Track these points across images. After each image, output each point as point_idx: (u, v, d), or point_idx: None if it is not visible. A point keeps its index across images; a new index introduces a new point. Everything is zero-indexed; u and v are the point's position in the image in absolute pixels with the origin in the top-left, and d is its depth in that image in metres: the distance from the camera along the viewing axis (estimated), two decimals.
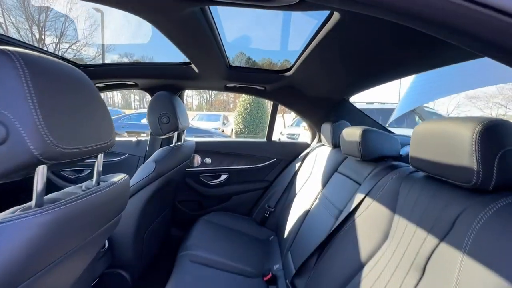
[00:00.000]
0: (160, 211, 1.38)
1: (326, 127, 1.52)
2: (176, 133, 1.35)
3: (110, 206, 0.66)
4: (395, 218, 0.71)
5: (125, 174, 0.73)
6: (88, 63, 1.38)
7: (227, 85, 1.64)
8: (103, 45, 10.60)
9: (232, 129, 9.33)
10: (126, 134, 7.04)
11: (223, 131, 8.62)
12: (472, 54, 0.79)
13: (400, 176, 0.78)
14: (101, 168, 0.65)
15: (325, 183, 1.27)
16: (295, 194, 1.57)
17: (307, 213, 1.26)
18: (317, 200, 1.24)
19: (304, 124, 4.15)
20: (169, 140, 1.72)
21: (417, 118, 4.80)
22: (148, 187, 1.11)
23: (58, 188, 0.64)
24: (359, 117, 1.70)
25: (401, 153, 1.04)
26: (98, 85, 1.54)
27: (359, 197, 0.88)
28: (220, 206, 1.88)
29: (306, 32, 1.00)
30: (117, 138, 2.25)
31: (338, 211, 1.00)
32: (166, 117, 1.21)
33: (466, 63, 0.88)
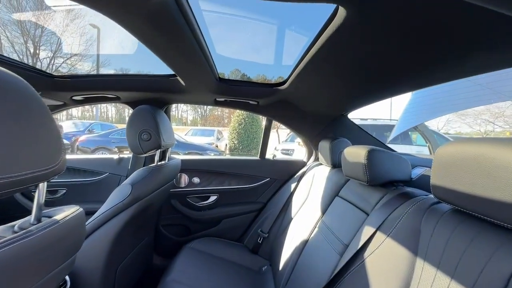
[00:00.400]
0: (138, 241, 1.21)
1: (324, 145, 1.40)
2: (158, 151, 1.21)
3: (52, 251, 0.51)
4: (417, 263, 0.57)
5: (78, 207, 0.58)
6: (63, 74, 1.25)
7: (217, 99, 1.53)
8: (98, 56, 10.57)
9: (226, 144, 9.22)
10: (116, 149, 6.82)
11: (217, 146, 8.52)
12: (490, 66, 0.69)
13: (419, 208, 0.65)
14: (42, 201, 0.50)
15: (325, 209, 1.13)
16: (291, 219, 1.42)
17: (305, 243, 1.11)
18: (317, 229, 1.10)
19: (299, 140, 4.05)
20: (152, 158, 1.58)
21: (409, 133, 4.76)
22: (122, 214, 0.96)
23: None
24: (359, 134, 1.59)
25: (411, 176, 0.92)
26: (76, 98, 1.40)
27: (368, 230, 0.74)
28: (208, 230, 1.70)
29: (301, 42, 0.91)
30: (98, 156, 2.10)
31: (343, 246, 0.85)
32: (147, 134, 1.08)
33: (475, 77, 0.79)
